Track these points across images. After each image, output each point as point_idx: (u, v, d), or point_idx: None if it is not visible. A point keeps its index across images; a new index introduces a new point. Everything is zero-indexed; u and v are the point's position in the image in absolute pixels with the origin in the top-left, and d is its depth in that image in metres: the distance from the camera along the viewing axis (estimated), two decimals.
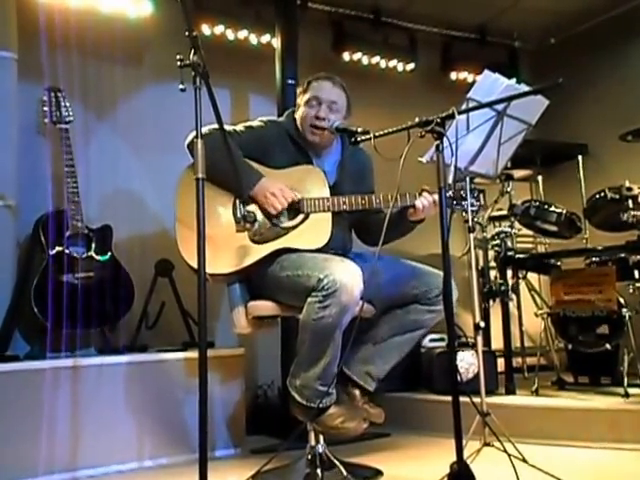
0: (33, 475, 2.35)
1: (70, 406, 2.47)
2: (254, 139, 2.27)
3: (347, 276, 1.97)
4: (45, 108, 2.92)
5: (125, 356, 2.68)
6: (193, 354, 2.72)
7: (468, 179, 2.35)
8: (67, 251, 2.78)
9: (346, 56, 4.05)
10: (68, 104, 2.93)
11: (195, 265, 1.66)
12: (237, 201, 2.20)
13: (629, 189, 2.96)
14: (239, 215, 2.18)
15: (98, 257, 2.86)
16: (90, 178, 3.13)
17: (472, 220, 2.41)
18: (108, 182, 3.28)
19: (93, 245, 2.86)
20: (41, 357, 2.60)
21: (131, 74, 3.46)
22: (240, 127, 2.30)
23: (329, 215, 2.21)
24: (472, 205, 2.32)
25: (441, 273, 1.95)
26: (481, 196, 2.38)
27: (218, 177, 2.06)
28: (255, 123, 2.34)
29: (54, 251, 2.76)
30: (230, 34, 3.62)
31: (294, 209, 2.22)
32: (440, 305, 2.18)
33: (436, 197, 2.13)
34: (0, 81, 2.80)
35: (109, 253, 2.90)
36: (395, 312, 2.24)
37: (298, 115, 2.34)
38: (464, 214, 2.34)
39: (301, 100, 2.34)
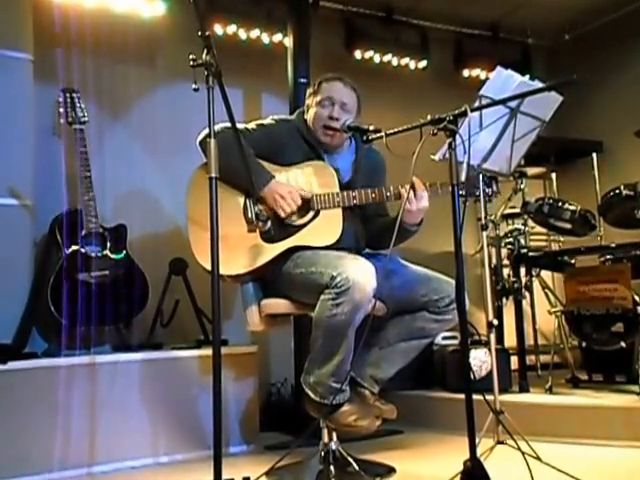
0: (49, 470, 2.38)
1: (86, 402, 2.50)
2: (266, 137, 2.29)
3: (360, 274, 1.97)
4: (60, 109, 2.95)
5: (140, 353, 2.71)
6: (207, 352, 2.74)
7: (480, 176, 2.35)
8: (82, 250, 2.81)
9: (358, 54, 4.06)
10: (83, 105, 2.96)
11: (209, 267, 1.66)
12: (248, 200, 2.21)
13: None
14: (250, 214, 2.18)
15: (113, 256, 2.89)
16: (105, 178, 3.17)
17: (485, 218, 2.41)
18: (122, 182, 3.32)
19: (108, 244, 2.89)
20: (58, 354, 2.64)
21: (145, 74, 3.49)
22: (252, 125, 2.32)
23: (339, 211, 2.21)
24: (485, 192, 2.31)
25: (452, 281, 1.94)
26: (494, 183, 2.38)
27: (229, 175, 2.07)
28: (266, 121, 2.36)
29: (70, 250, 2.79)
30: (242, 34, 3.65)
31: (304, 206, 2.22)
32: (449, 315, 2.17)
33: (419, 194, 2.13)
34: (16, 82, 2.83)
35: (124, 252, 2.93)
36: (403, 317, 2.23)
37: (309, 116, 2.34)
38: (477, 203, 2.34)
39: (312, 101, 2.35)
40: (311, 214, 2.22)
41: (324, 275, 2.01)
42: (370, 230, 2.38)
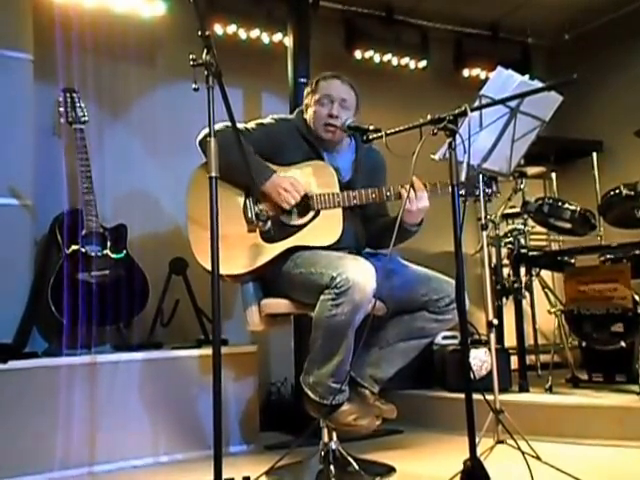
0: (49, 470, 2.38)
1: (86, 402, 2.50)
2: (266, 136, 2.29)
3: (360, 274, 1.97)
4: (60, 109, 2.95)
5: (140, 353, 2.71)
6: (207, 351, 2.74)
7: (480, 176, 2.35)
8: (83, 250, 2.81)
9: (358, 54, 4.06)
10: (83, 105, 2.97)
11: (209, 267, 1.66)
12: (247, 200, 2.21)
13: None
14: (250, 214, 2.18)
15: (113, 255, 2.89)
16: (105, 177, 3.17)
17: (485, 218, 2.41)
18: (122, 181, 3.32)
19: (108, 243, 2.89)
20: (59, 354, 2.64)
21: (145, 74, 3.49)
22: (252, 124, 2.32)
23: (339, 211, 2.21)
24: (485, 192, 2.31)
25: (452, 281, 1.94)
26: (494, 183, 2.38)
27: (230, 173, 2.07)
28: (266, 120, 2.36)
29: (70, 250, 2.79)
30: (242, 33, 3.65)
31: (304, 206, 2.22)
32: (449, 315, 2.17)
33: (419, 194, 2.13)
34: (16, 82, 2.83)
35: (124, 251, 2.94)
36: (402, 317, 2.22)
37: (309, 115, 2.35)
38: (477, 203, 2.34)
39: (310, 100, 2.35)
40: (311, 214, 2.22)
41: (324, 275, 2.01)
42: (370, 230, 2.38)
